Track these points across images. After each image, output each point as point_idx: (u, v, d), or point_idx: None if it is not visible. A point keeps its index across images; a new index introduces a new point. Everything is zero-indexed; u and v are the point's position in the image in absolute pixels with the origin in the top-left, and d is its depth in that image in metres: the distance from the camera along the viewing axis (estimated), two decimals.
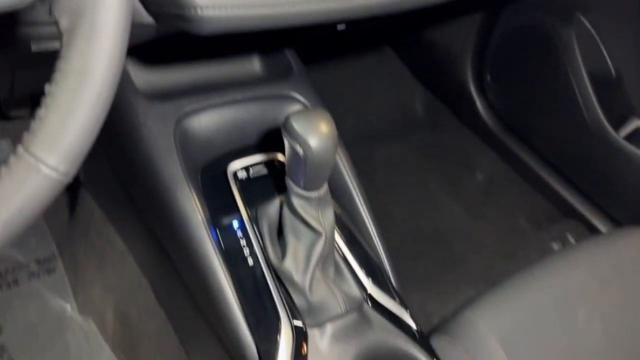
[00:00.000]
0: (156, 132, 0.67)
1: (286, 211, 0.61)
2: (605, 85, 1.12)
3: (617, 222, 1.19)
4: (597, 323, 0.73)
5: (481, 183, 1.44)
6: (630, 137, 1.09)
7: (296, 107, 0.75)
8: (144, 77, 0.75)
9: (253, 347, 0.61)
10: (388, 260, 0.73)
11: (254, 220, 0.68)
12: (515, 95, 1.34)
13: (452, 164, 1.48)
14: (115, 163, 0.81)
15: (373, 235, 0.73)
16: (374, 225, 0.73)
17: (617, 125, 1.11)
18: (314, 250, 0.60)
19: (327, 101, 0.74)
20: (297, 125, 0.54)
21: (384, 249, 0.73)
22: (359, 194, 0.74)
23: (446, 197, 1.41)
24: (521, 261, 1.17)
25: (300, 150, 0.54)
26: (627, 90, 1.13)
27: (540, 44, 1.20)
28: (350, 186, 0.74)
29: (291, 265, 0.61)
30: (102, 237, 0.99)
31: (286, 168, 0.58)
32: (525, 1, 1.20)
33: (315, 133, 0.54)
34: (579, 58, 1.12)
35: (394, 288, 0.68)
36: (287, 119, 0.55)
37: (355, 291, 0.65)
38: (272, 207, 0.66)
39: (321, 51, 1.38)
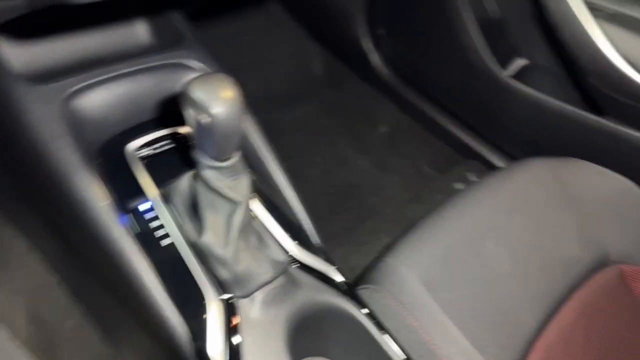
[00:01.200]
0: (41, 117, 0.62)
1: (199, 185, 0.59)
2: (490, 28, 1.17)
3: (512, 157, 1.28)
4: (504, 249, 0.79)
5: (385, 136, 1.48)
6: (517, 76, 1.16)
7: (192, 75, 0.72)
8: (22, 58, 0.69)
9: (181, 327, 0.59)
10: (307, 220, 0.73)
11: (166, 199, 0.65)
12: (408, 46, 1.38)
13: (356, 120, 1.51)
14: (3, 156, 0.74)
15: (290, 198, 0.73)
16: (290, 187, 0.73)
17: (504, 65, 1.17)
18: (232, 221, 0.59)
19: (223, 69, 0.72)
20: (199, 93, 0.51)
21: (302, 209, 0.73)
22: (271, 158, 0.73)
23: (354, 153, 1.43)
24: (429, 204, 1.23)
25: (205, 119, 0.52)
26: (511, 31, 1.19)
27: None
28: (262, 150, 0.73)
29: (211, 239, 0.60)
30: (1, 237, 0.91)
31: (194, 140, 0.56)
32: None
33: (219, 99, 0.52)
34: (465, 3, 1.15)
35: (317, 246, 0.69)
36: (185, 87, 0.52)
37: (280, 255, 0.64)
38: (183, 182, 0.64)
39: (204, 15, 1.32)
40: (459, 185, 1.32)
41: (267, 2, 1.54)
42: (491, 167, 1.32)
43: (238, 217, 0.58)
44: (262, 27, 1.53)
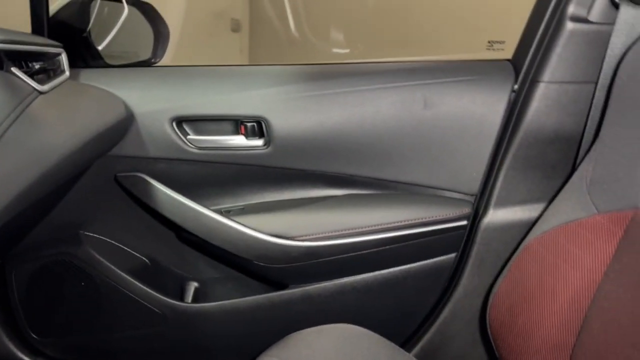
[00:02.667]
0: None
1: None
2: (148, 272, 1.16)
3: None
4: None
5: None
6: (195, 300, 1.15)
7: None
8: None
9: None
10: None
11: None
12: (68, 335, 1.22)
13: None
14: None
15: None
16: None
17: (182, 296, 1.16)
18: None
19: None
20: None
21: None
22: None
23: None
24: None
25: None
26: (167, 269, 1.20)
27: (64, 274, 1.14)
28: None
29: None
30: None
31: None
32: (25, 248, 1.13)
33: None
34: (108, 264, 1.12)
35: None
36: None
37: None
38: None
39: None
40: None
41: None
42: None
43: None
44: None
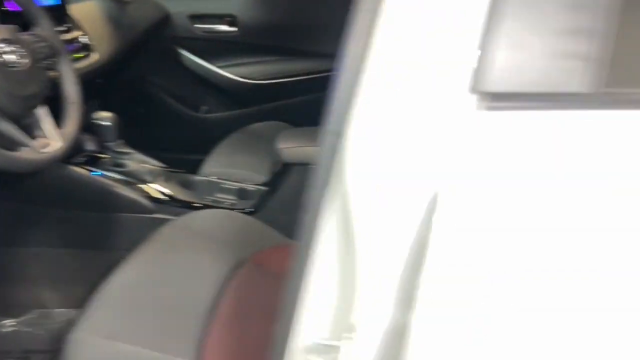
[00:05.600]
0: None
1: None
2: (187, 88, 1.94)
3: None
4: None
5: None
6: (207, 112, 1.88)
7: None
8: None
9: None
10: None
11: None
12: None
13: None
14: None
15: None
16: None
17: (197, 110, 1.88)
18: None
19: None
20: None
21: None
22: None
23: None
24: None
25: None
26: (197, 91, 1.99)
27: None
28: None
29: None
30: None
31: None
32: None
33: None
34: None
35: None
36: None
37: None
38: None
39: None
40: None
41: None
42: None
43: None
44: None
